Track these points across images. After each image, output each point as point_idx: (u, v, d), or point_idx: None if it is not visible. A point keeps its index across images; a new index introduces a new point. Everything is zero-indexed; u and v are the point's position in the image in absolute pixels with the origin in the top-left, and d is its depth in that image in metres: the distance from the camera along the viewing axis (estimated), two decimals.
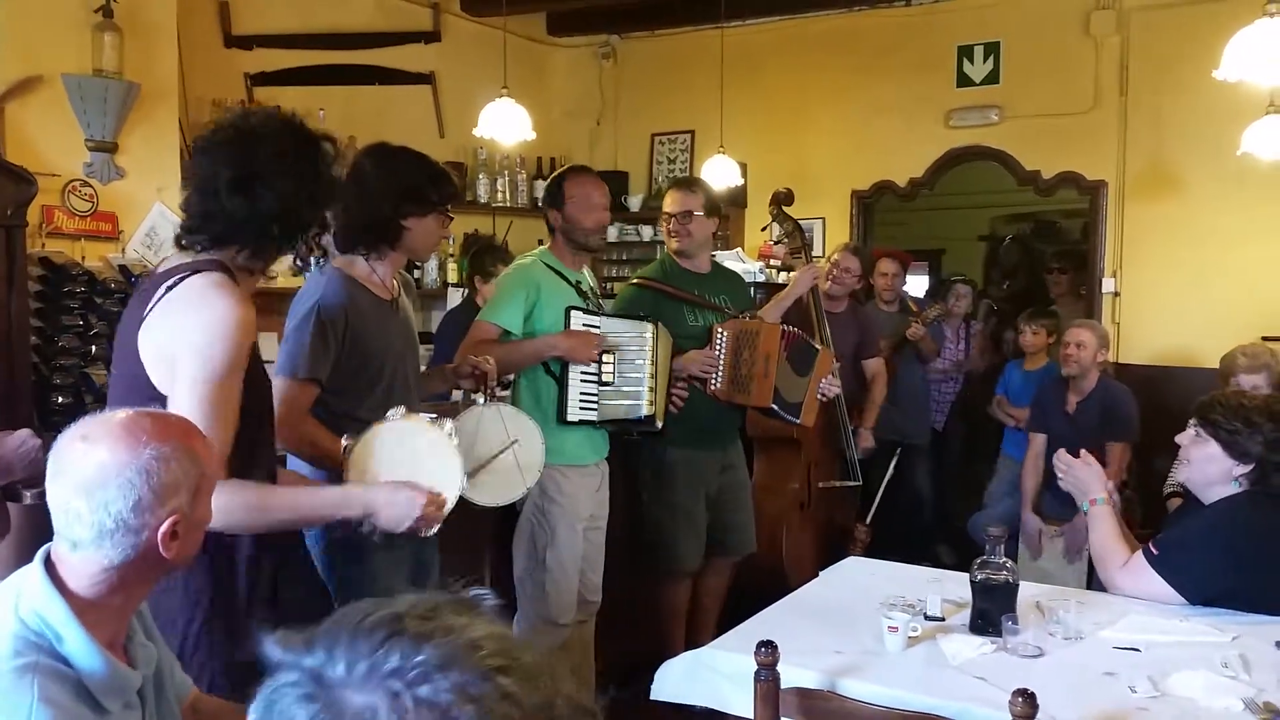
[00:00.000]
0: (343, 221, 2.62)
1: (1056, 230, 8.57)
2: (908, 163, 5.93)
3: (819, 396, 3.86)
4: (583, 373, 3.14)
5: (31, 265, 3.48)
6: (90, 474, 1.31)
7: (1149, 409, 4.42)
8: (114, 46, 3.71)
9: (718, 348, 3.62)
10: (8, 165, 3.37)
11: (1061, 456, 2.67)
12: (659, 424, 3.29)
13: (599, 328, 3.17)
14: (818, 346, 3.94)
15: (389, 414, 2.28)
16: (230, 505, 1.77)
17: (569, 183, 3.25)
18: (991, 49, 5.66)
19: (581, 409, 3.15)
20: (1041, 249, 8.19)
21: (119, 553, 1.32)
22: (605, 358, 3.16)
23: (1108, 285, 5.48)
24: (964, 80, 5.74)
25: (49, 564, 1.34)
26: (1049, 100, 5.51)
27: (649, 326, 3.23)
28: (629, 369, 3.19)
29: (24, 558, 1.40)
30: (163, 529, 1.34)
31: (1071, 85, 5.48)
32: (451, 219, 2.74)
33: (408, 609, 0.76)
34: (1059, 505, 4.32)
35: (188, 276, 1.82)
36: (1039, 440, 4.46)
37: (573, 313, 3.14)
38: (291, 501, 2.02)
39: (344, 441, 2.27)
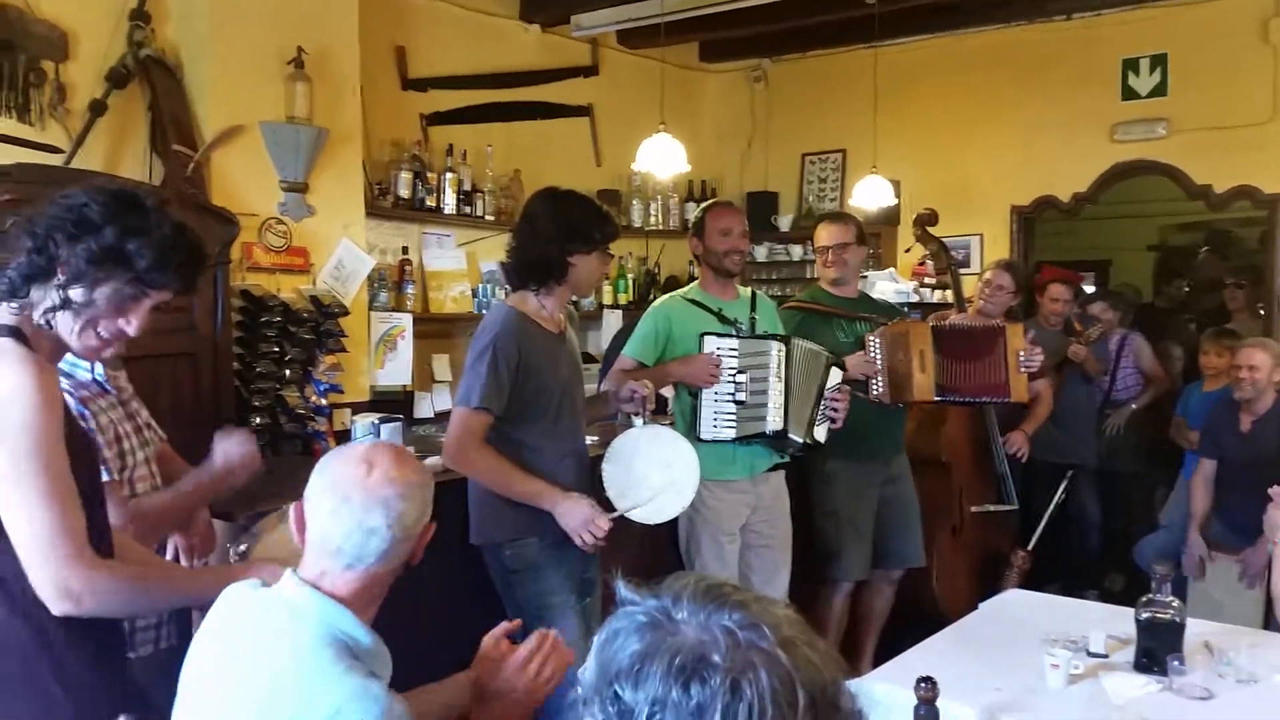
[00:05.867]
0: (515, 259, 2.84)
1: (1231, 239, 8.14)
2: (1070, 178, 5.79)
3: (1020, 370, 3.90)
4: (716, 393, 3.26)
5: (234, 298, 3.81)
6: (391, 492, 1.49)
7: None
8: (305, 95, 4.00)
9: (872, 355, 3.74)
10: (214, 208, 3.71)
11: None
12: (804, 439, 3.35)
13: (736, 350, 3.28)
14: (992, 324, 4.00)
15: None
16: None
17: (709, 215, 3.47)
18: (1158, 61, 5.47)
19: (716, 427, 3.27)
20: (1219, 262, 7.78)
21: (396, 560, 1.52)
22: (740, 378, 3.26)
23: None
24: (1129, 93, 5.56)
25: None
26: (1221, 112, 5.29)
27: (775, 344, 3.32)
28: (759, 386, 3.28)
29: None
30: (427, 536, 1.56)
31: (1246, 95, 5.24)
32: (613, 257, 2.91)
33: (723, 584, 0.98)
34: (1229, 534, 4.16)
35: None
36: (1208, 465, 4.30)
37: (705, 337, 3.28)
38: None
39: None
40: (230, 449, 2.02)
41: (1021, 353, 3.89)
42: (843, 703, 0.93)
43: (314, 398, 4.02)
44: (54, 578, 1.55)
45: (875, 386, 3.75)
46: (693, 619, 0.93)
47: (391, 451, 1.54)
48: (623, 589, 0.99)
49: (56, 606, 1.57)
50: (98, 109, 3.66)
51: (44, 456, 1.56)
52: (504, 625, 1.82)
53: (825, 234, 3.89)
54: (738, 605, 0.94)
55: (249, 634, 1.48)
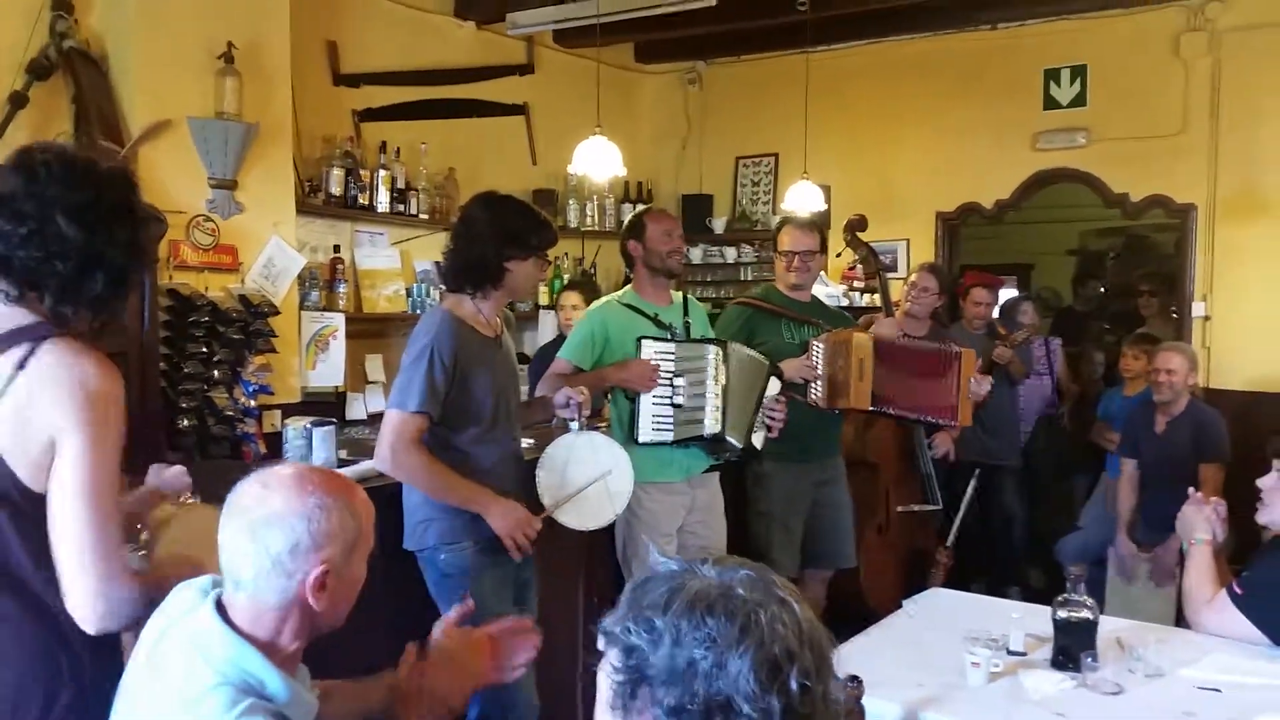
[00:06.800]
0: (451, 262, 2.83)
1: (1148, 245, 8.43)
2: (994, 185, 5.95)
3: (969, 397, 4.05)
4: (655, 396, 3.29)
5: (160, 297, 3.74)
6: (260, 516, 1.43)
7: (1241, 436, 4.39)
8: (234, 90, 3.93)
9: (814, 359, 3.80)
10: None
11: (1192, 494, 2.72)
12: (741, 444, 3.40)
13: (672, 354, 3.31)
14: (948, 348, 4.12)
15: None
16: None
17: (649, 217, 3.50)
18: (1078, 72, 5.65)
19: (655, 430, 3.30)
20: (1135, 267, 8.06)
21: (274, 595, 1.43)
22: (678, 381, 3.31)
23: (1198, 309, 5.41)
24: (1051, 103, 5.74)
25: (223, 614, 1.45)
26: (1137, 123, 5.48)
27: (711, 348, 3.37)
28: (696, 390, 3.33)
29: None
30: (312, 576, 1.43)
31: (1160, 108, 5.45)
32: (550, 263, 2.93)
33: (738, 557, 1.15)
34: (1150, 531, 4.32)
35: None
36: (1130, 465, 4.47)
37: (643, 341, 3.31)
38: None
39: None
40: (165, 478, 2.02)
41: (972, 380, 4.03)
42: (829, 658, 1.08)
43: (243, 399, 3.96)
44: (91, 594, 1.55)
45: (813, 390, 3.82)
46: (716, 574, 1.09)
47: (291, 477, 1.47)
48: (655, 553, 1.14)
49: (89, 622, 1.57)
50: (18, 101, 3.56)
51: (112, 472, 1.57)
52: (458, 608, 1.83)
53: (790, 239, 3.93)
54: (754, 569, 1.11)
55: (168, 659, 1.44)
